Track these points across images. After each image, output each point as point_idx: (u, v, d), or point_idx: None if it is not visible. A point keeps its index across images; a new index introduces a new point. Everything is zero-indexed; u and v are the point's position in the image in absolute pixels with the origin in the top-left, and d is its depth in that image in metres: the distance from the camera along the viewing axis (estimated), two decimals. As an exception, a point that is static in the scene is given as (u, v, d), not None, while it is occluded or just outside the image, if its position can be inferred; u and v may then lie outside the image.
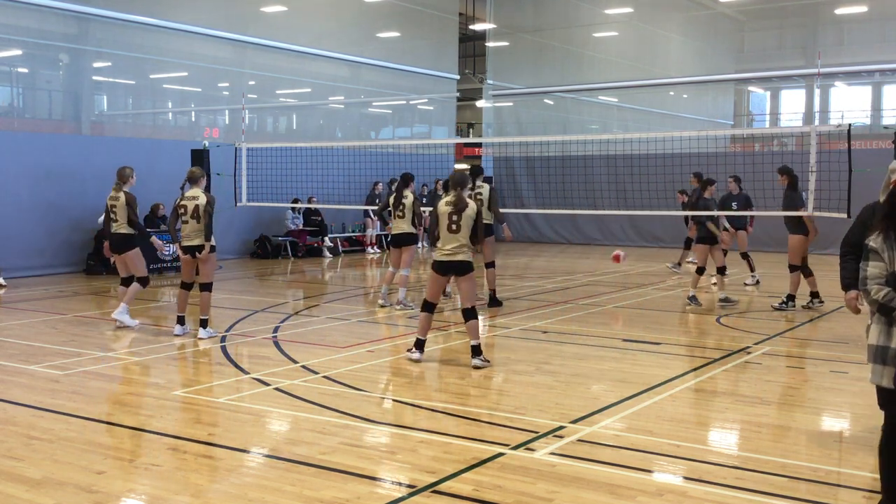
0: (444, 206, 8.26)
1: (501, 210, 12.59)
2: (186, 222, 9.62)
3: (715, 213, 12.34)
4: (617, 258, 12.39)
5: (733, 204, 14.21)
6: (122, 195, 10.24)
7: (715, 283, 14.17)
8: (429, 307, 8.38)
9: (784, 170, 11.98)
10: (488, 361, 8.24)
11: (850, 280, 5.52)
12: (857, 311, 5.56)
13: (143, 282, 10.41)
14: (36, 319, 11.05)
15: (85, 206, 16.05)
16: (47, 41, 17.85)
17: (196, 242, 9.62)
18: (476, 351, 8.17)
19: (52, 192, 15.79)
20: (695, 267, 12.61)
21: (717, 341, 9.63)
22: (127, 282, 10.46)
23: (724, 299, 12.27)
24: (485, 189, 11.92)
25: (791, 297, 11.91)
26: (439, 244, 8.26)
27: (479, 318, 8.43)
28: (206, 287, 9.72)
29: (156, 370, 8.19)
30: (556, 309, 12.03)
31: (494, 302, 12.07)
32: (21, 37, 17.18)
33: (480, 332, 8.55)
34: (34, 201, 15.64)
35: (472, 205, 8.20)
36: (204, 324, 9.72)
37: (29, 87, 18.35)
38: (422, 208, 12.45)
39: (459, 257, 8.15)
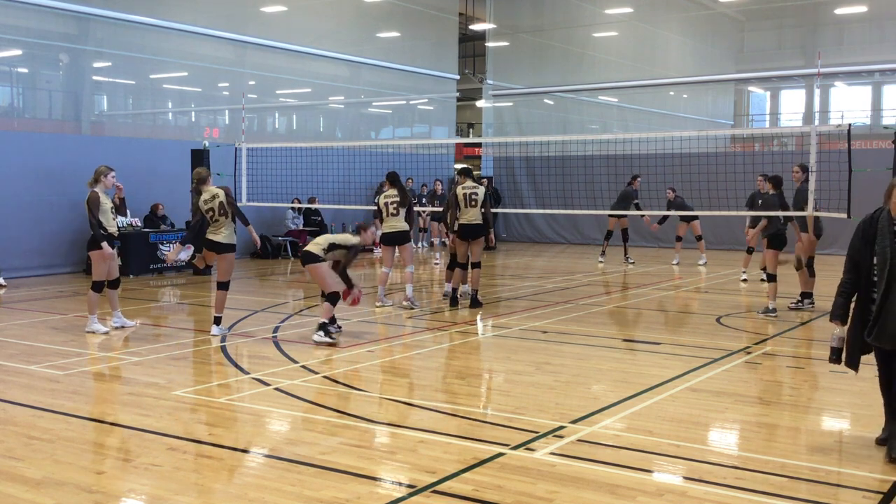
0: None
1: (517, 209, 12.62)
2: (217, 220, 9.67)
3: (748, 212, 12.06)
4: (355, 301, 10.51)
5: (759, 202, 14.07)
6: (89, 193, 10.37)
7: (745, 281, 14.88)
8: None
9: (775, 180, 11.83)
10: (333, 339, 9.25)
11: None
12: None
13: (94, 286, 10.07)
14: (36, 319, 11.05)
15: (85, 206, 16.04)
16: (47, 41, 17.85)
17: (228, 241, 9.73)
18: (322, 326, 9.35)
19: (52, 192, 15.78)
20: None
21: (717, 341, 9.62)
22: (112, 284, 10.31)
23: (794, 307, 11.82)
24: (480, 190, 11.95)
25: (806, 295, 11.88)
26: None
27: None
28: (224, 286, 9.81)
29: (156, 370, 8.18)
30: (556, 309, 12.03)
31: (476, 303, 11.98)
32: (21, 37, 17.17)
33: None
34: (34, 201, 15.62)
35: (348, 237, 9.84)
36: (217, 321, 9.85)
37: (29, 87, 18.34)
38: (419, 208, 12.64)
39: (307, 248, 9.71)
